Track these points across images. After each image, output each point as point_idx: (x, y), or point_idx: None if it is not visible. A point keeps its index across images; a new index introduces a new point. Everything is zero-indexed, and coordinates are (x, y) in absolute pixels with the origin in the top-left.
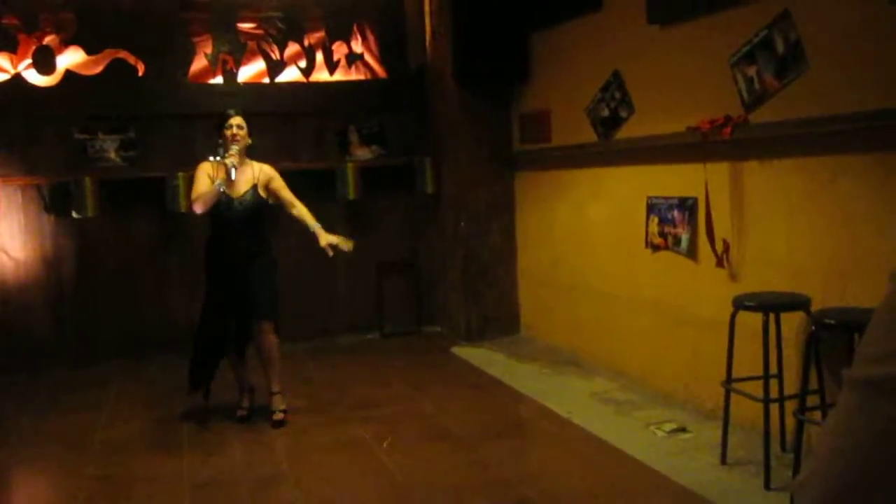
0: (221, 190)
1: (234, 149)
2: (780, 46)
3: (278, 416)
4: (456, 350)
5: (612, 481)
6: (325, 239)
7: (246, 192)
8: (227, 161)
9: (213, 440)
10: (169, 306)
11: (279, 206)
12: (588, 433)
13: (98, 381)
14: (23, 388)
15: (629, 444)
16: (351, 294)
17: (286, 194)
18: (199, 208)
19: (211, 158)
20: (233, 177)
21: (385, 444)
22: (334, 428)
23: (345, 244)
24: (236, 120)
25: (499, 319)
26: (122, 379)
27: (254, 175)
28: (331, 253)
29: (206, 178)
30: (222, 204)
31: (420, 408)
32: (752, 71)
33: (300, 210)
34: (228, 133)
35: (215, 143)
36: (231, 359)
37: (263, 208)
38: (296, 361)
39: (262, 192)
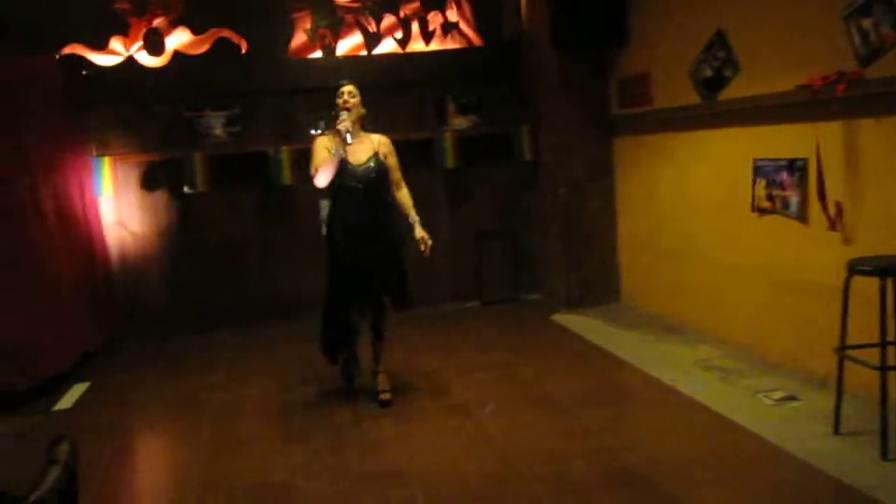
0: (341, 156)
1: (345, 115)
2: None
3: (386, 395)
4: (556, 317)
5: (717, 449)
6: (420, 232)
7: (369, 160)
8: (340, 126)
9: (323, 404)
10: (274, 277)
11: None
12: (693, 400)
13: (208, 348)
14: (140, 356)
15: (736, 411)
16: (452, 263)
17: (396, 174)
18: (320, 180)
19: (313, 131)
20: (349, 140)
21: (487, 410)
22: (438, 395)
23: (429, 243)
24: (347, 88)
25: (599, 286)
26: (233, 345)
27: (373, 145)
28: (422, 247)
29: (323, 151)
30: (346, 173)
31: (521, 374)
32: (867, 23)
33: (404, 194)
34: (340, 101)
35: (331, 116)
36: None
37: (387, 177)
38: (399, 330)
39: (384, 161)
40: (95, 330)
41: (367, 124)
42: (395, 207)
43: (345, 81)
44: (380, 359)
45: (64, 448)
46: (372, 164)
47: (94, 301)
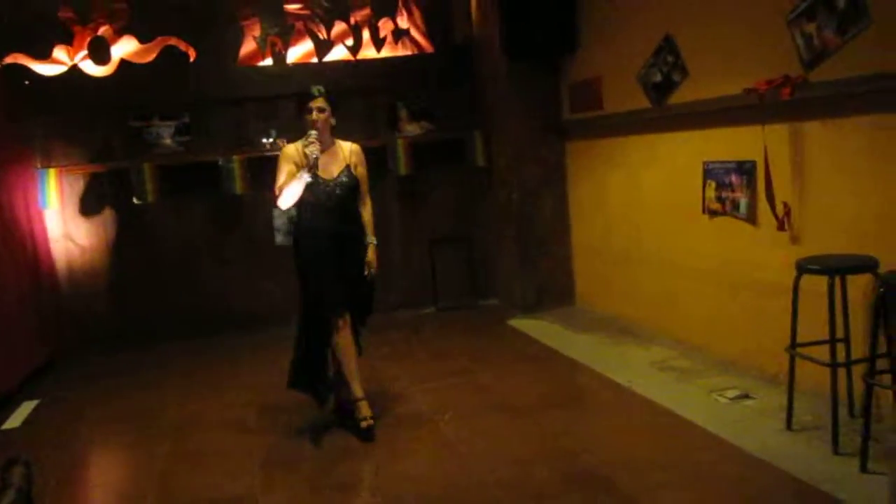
0: (307, 180)
1: (314, 134)
2: (840, 1)
3: (368, 422)
4: (512, 322)
5: (674, 448)
6: (371, 256)
7: (341, 173)
8: (308, 150)
9: (281, 419)
10: (227, 288)
11: None
12: (649, 401)
13: (160, 362)
14: (90, 371)
15: (691, 411)
16: (405, 269)
17: (364, 187)
18: (283, 202)
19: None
20: (317, 165)
21: (446, 417)
22: (396, 402)
23: (372, 270)
24: (317, 103)
25: (554, 290)
26: (183, 360)
27: (345, 155)
28: (367, 271)
29: (290, 166)
30: (317, 189)
31: (479, 380)
32: (810, 28)
33: (367, 212)
34: (309, 119)
35: (301, 124)
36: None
37: (358, 189)
38: None
39: (355, 172)
40: (43, 346)
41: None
42: (361, 220)
43: (314, 91)
44: (354, 381)
45: (18, 471)
46: (344, 179)
47: (41, 316)
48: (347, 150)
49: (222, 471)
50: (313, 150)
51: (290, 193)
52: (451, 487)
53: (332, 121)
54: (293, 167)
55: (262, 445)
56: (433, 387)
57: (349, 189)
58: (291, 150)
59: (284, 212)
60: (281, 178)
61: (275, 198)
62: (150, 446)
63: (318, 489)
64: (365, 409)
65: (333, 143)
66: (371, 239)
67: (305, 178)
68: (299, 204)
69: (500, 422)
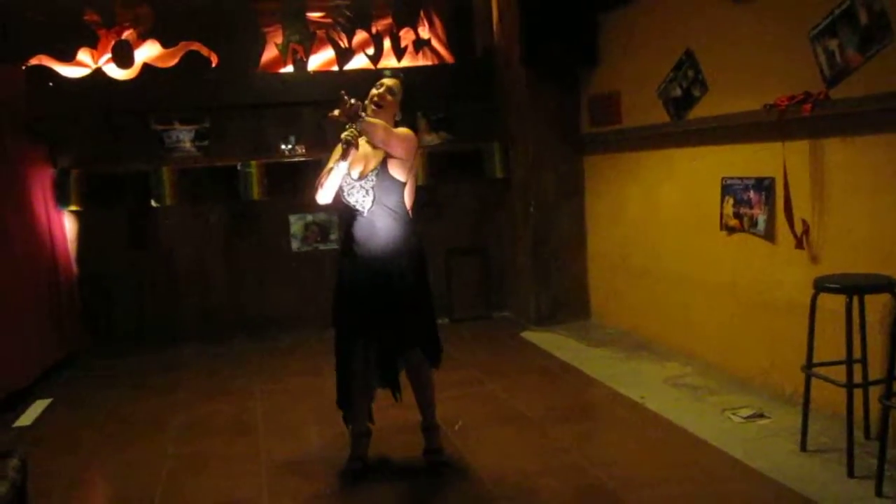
0: (343, 170)
1: (364, 115)
2: (863, 17)
3: (435, 456)
4: (526, 335)
5: (685, 466)
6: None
7: (371, 173)
8: (343, 135)
9: (291, 425)
10: (241, 293)
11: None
12: (661, 418)
13: (173, 365)
14: (103, 371)
15: (704, 429)
16: None
17: (401, 170)
18: (320, 196)
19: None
20: (348, 157)
21: (456, 428)
22: (406, 412)
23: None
24: (389, 81)
25: (569, 304)
26: (195, 364)
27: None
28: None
29: (332, 161)
30: (343, 189)
31: (491, 392)
32: (833, 44)
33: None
34: (372, 93)
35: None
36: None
37: (399, 189)
38: None
39: (390, 165)
40: (58, 345)
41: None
42: (410, 232)
43: (388, 73)
44: (428, 411)
45: (13, 463)
46: (374, 178)
47: (57, 316)
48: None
49: (229, 475)
50: (349, 134)
51: (327, 185)
52: (459, 498)
53: (398, 113)
54: (335, 160)
55: (269, 451)
56: (444, 397)
57: (381, 193)
58: (339, 146)
59: (300, 218)
60: (323, 171)
61: (315, 192)
62: (159, 449)
63: (324, 496)
64: (438, 439)
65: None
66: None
67: (343, 166)
68: (341, 211)
69: (509, 434)
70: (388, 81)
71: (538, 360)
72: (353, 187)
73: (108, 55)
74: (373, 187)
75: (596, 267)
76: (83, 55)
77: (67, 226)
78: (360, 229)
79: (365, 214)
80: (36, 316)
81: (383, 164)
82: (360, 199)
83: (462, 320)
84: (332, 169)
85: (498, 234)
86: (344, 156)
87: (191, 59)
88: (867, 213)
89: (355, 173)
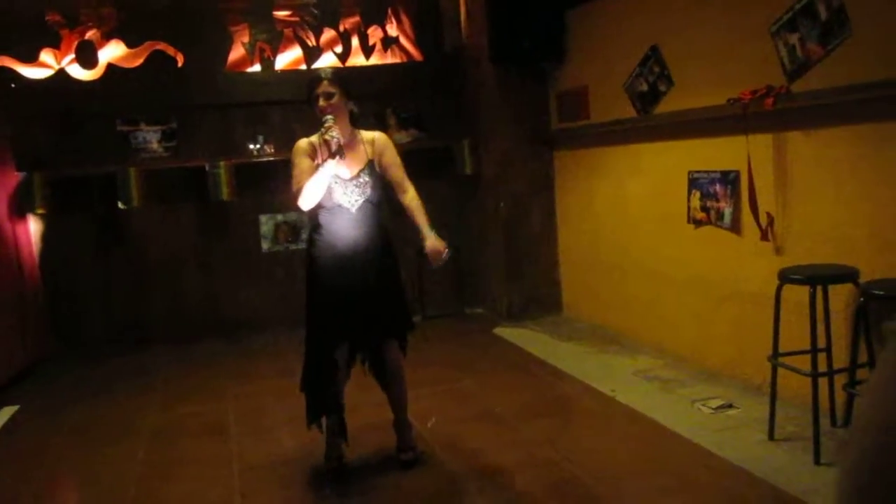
0: (334, 168)
1: (330, 119)
2: (822, 12)
3: (408, 454)
4: (498, 330)
5: (657, 458)
6: (432, 243)
7: (362, 172)
8: (328, 136)
9: (262, 425)
10: (212, 294)
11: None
12: (633, 411)
13: (143, 368)
14: (71, 376)
15: (675, 420)
16: None
17: (397, 173)
18: (305, 201)
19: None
20: (342, 151)
21: (429, 424)
22: (379, 409)
23: (445, 252)
24: (322, 88)
25: (541, 299)
26: (165, 366)
27: (365, 149)
28: (433, 263)
29: (306, 160)
30: (333, 191)
31: (463, 388)
32: (793, 39)
33: (410, 199)
34: (319, 105)
35: (316, 119)
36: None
37: (383, 190)
38: None
39: (378, 170)
40: (25, 351)
41: (359, 119)
42: (387, 230)
43: (320, 74)
44: (401, 408)
45: None
46: (366, 178)
47: (23, 321)
48: (368, 139)
49: (201, 478)
50: (333, 133)
51: (312, 188)
52: (433, 495)
53: (352, 106)
54: (309, 161)
55: (241, 453)
56: (417, 394)
57: (372, 190)
58: (304, 144)
59: (271, 218)
60: (297, 174)
61: (293, 198)
62: (130, 453)
63: (297, 497)
64: (405, 437)
65: (354, 135)
66: (429, 232)
67: (331, 165)
68: (314, 210)
69: (483, 430)
70: (320, 88)
71: (511, 356)
72: (346, 187)
73: (72, 56)
74: (366, 185)
75: (567, 262)
76: (46, 56)
77: (33, 229)
78: (345, 226)
79: (353, 211)
80: (1, 321)
81: (370, 162)
82: (354, 199)
83: (434, 317)
84: (310, 173)
85: (469, 231)
86: (335, 154)
87: (156, 59)
88: (830, 205)
89: (346, 174)
